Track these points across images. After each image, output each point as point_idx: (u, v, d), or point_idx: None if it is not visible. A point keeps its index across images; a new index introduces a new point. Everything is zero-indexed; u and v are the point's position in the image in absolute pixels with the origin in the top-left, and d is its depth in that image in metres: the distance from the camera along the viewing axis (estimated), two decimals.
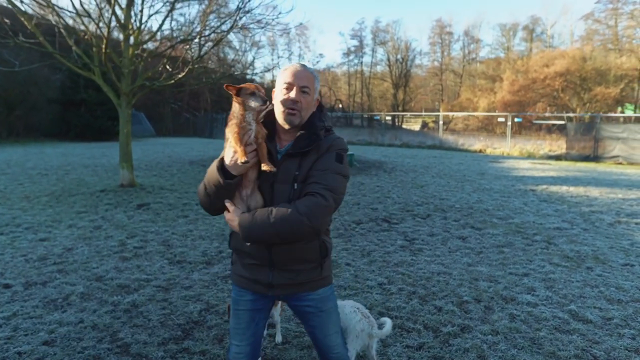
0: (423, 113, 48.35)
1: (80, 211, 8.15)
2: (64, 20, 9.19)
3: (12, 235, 6.56)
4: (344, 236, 6.84)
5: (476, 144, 26.17)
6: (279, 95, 2.07)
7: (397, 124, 46.97)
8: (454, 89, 60.31)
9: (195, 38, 10.96)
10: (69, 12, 9.33)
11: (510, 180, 13.24)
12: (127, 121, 10.11)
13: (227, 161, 1.95)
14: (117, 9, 9.36)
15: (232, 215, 1.99)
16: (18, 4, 8.61)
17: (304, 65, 2.12)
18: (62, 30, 9.34)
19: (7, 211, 8.10)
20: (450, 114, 40.11)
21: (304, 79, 2.05)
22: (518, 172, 15.41)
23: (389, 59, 62.06)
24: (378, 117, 37.63)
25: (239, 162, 1.88)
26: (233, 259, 2.25)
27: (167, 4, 10.48)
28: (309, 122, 2.11)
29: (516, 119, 25.44)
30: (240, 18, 10.39)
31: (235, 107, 1.97)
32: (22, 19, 8.68)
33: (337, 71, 71.08)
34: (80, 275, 5.02)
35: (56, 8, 9.30)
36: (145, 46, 10.97)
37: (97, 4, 9.30)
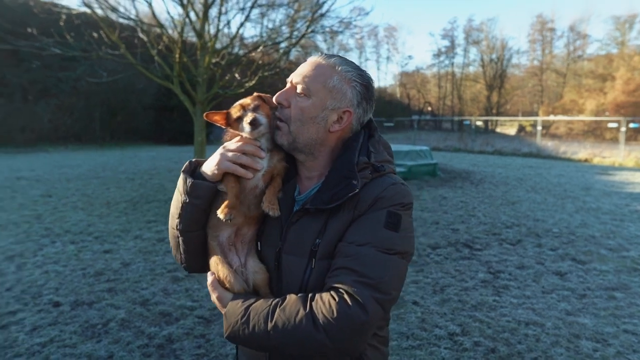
0: (519, 117, 44.79)
1: (150, 220, 8.19)
2: (143, 28, 9.39)
3: (81, 245, 6.66)
4: (416, 264, 6.03)
5: (581, 151, 23.37)
6: None
7: (489, 127, 44.03)
8: (556, 89, 55.34)
9: (282, 42, 10.79)
10: (146, 23, 9.53)
11: (624, 198, 11.33)
12: (202, 129, 10.13)
13: (206, 163, 1.37)
14: (192, 16, 9.40)
15: (215, 291, 1.34)
16: (101, 13, 8.92)
17: (323, 55, 1.38)
18: (147, 43, 9.56)
19: (86, 217, 8.38)
20: (551, 118, 36.59)
21: (305, 72, 1.35)
22: (634, 188, 13.22)
23: (482, 59, 58.84)
24: (468, 122, 35.42)
25: (220, 216, 1.29)
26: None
27: (244, 10, 10.35)
28: (339, 157, 1.35)
29: (632, 125, 22.24)
30: (316, 19, 9.95)
31: (235, 138, 1.40)
32: (104, 32, 8.97)
33: (426, 73, 69.03)
34: (128, 297, 4.81)
35: (138, 17, 9.54)
36: (229, 50, 10.98)
37: (171, 16, 9.39)
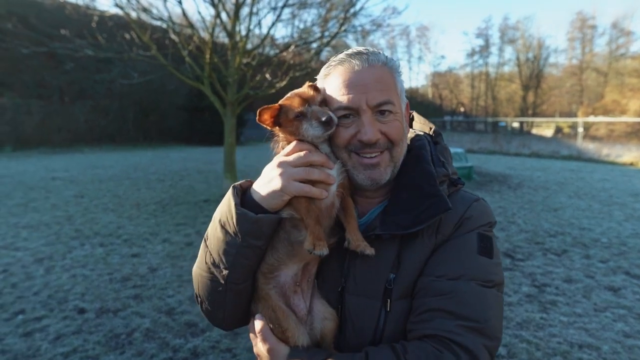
0: (558, 118, 43.19)
1: (179, 223, 8.10)
2: (174, 29, 9.35)
3: (110, 247, 6.59)
4: None
5: (625, 154, 22.17)
6: (338, 130, 1.10)
7: (524, 129, 42.62)
8: (596, 89, 53.04)
9: (313, 42, 10.62)
10: (177, 24, 9.47)
11: None
12: (232, 130, 10.01)
13: (261, 188, 1.07)
14: (224, 16, 9.29)
15: (266, 342, 1.07)
16: (133, 14, 8.92)
17: (363, 55, 1.10)
18: (178, 44, 9.51)
19: (116, 219, 8.36)
20: (592, 119, 35.05)
21: (374, 86, 1.07)
22: None
23: (518, 59, 57.15)
24: (504, 124, 34.31)
25: (317, 252, 1.00)
26: None
27: (276, 10, 10.17)
28: (413, 170, 1.12)
29: None
30: (349, 19, 9.70)
31: (289, 147, 1.11)
32: (135, 33, 8.96)
33: (459, 73, 67.69)
34: (154, 304, 4.66)
35: (170, 18, 9.50)
36: (259, 51, 10.85)
37: (202, 16, 9.32)
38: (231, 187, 1.11)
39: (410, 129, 1.28)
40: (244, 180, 1.17)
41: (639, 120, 30.41)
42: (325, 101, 1.11)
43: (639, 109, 37.03)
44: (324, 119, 1.02)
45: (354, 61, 1.09)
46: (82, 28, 9.12)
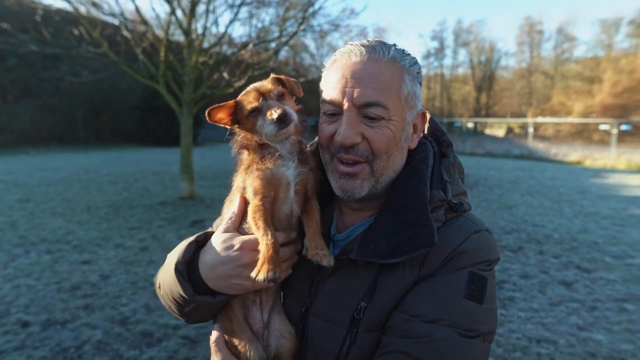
0: (509, 119, 44.92)
1: (133, 227, 7.75)
2: (127, 25, 8.96)
3: (58, 254, 6.21)
4: None
5: (572, 153, 23.32)
6: (321, 127, 0.99)
7: (478, 129, 44.13)
8: (544, 91, 55.65)
9: (271, 42, 10.48)
10: (130, 20, 9.11)
11: (621, 201, 11.14)
12: (188, 131, 9.71)
13: (212, 270, 1.01)
14: (179, 13, 9.00)
15: (219, 353, 1.03)
16: (83, 9, 8.48)
17: (366, 47, 0.95)
18: (131, 41, 9.12)
19: (64, 224, 7.91)
20: (541, 120, 36.69)
21: (368, 83, 0.92)
22: (630, 191, 13.03)
23: (471, 61, 59.06)
24: (459, 124, 35.37)
25: (259, 278, 0.89)
26: None
27: (233, 8, 9.96)
28: (404, 188, 0.98)
29: (623, 127, 22.19)
30: (307, 19, 9.63)
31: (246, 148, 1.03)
32: (85, 28, 8.53)
33: None
34: (106, 314, 4.40)
35: (122, 14, 9.12)
36: (216, 50, 10.59)
37: (156, 13, 9.00)
38: (181, 251, 1.05)
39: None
40: (200, 233, 1.08)
41: (583, 121, 32.12)
42: (285, 95, 1.01)
43: (583, 111, 39.14)
44: (275, 115, 0.92)
45: (353, 52, 0.96)
46: (25, 22, 8.58)
